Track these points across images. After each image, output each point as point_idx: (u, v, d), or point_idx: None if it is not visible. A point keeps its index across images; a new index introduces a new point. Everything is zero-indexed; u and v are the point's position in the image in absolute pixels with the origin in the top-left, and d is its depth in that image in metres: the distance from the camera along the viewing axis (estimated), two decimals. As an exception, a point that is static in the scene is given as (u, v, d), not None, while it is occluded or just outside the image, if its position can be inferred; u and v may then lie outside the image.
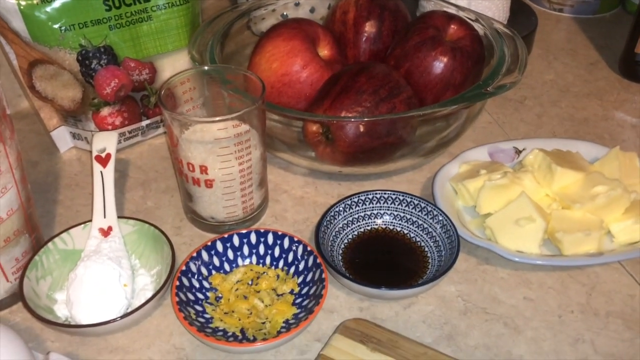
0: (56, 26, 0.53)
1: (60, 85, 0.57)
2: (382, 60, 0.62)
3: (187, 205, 0.53)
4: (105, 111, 0.58)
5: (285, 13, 0.73)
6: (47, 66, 0.55)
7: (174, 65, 0.60)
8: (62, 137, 0.61)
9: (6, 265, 0.44)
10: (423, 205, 0.49)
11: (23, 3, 0.51)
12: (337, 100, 0.52)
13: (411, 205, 0.50)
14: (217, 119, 0.46)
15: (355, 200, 0.51)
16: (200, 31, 0.62)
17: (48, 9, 0.52)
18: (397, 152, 0.55)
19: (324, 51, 0.60)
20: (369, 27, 0.62)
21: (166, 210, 0.55)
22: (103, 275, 0.44)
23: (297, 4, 0.73)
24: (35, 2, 0.52)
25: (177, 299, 0.42)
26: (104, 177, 0.49)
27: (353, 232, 0.51)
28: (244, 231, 0.48)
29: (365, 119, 0.51)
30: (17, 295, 0.46)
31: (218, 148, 0.47)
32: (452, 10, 0.68)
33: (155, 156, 0.62)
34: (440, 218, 0.48)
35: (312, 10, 0.75)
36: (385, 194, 0.51)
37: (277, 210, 0.55)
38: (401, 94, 0.54)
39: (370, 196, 0.51)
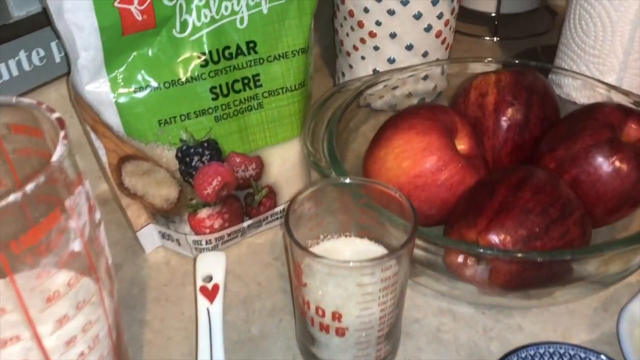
0: (155, 119, 0.45)
1: (153, 183, 0.48)
2: (531, 155, 0.51)
3: (305, 346, 0.43)
4: (203, 213, 0.49)
5: (397, 87, 0.63)
6: (140, 162, 0.47)
7: (283, 157, 0.51)
8: (150, 236, 0.52)
9: None
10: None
11: (118, 92, 0.43)
12: (497, 220, 0.42)
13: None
14: (362, 263, 0.36)
15: (532, 353, 0.40)
16: (312, 116, 0.53)
17: (146, 99, 0.44)
18: (562, 284, 0.44)
19: (462, 145, 0.50)
20: (514, 114, 0.52)
21: (275, 340, 0.45)
22: None
23: (410, 76, 0.63)
24: (131, 90, 0.43)
25: None
26: (211, 316, 0.40)
27: (520, 395, 0.40)
28: (386, 396, 0.38)
29: (569, 256, 0.40)
30: None
31: (360, 294, 0.37)
32: (602, 89, 0.57)
33: (256, 261, 0.52)
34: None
35: (425, 78, 0.66)
36: (581, 353, 0.40)
37: (410, 350, 0.45)
38: (574, 212, 0.43)
39: (551, 350, 0.40)
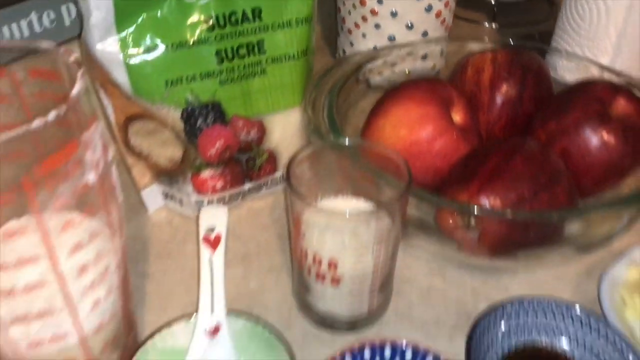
0: (162, 80, 0.47)
1: (158, 143, 0.50)
2: (524, 131, 0.53)
3: (301, 297, 0.45)
4: (206, 173, 0.51)
5: (396, 63, 0.65)
6: (146, 122, 0.49)
7: (284, 124, 0.53)
8: (153, 196, 0.54)
9: (101, 373, 0.37)
10: (612, 336, 0.40)
11: (128, 52, 0.45)
12: (488, 184, 0.44)
13: (595, 331, 0.41)
14: (357, 213, 0.38)
15: (517, 308, 0.42)
16: (313, 87, 0.54)
17: (155, 60, 0.46)
18: (549, 247, 0.46)
19: (457, 116, 0.52)
20: (509, 91, 0.54)
21: (272, 295, 0.47)
22: (215, 395, 0.37)
23: (409, 54, 0.65)
24: (140, 51, 0.45)
25: None
26: (213, 265, 0.41)
27: (504, 347, 0.42)
28: (377, 343, 0.40)
29: (556, 217, 0.42)
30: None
31: (355, 242, 0.39)
32: (595, 69, 0.59)
33: (255, 224, 0.54)
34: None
35: (424, 58, 0.67)
36: (564, 308, 0.41)
37: (401, 306, 0.47)
38: (562, 181, 0.45)
39: (544, 306, 0.41)
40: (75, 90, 0.28)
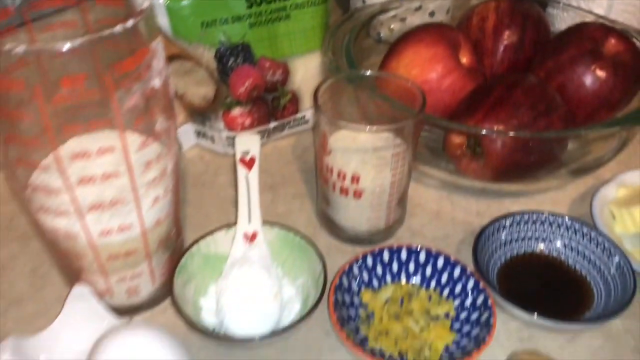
0: (198, 21, 0.52)
1: (193, 82, 0.55)
2: (527, 72, 0.58)
3: (324, 214, 0.51)
4: (236, 111, 0.56)
5: (405, 17, 0.70)
6: (183, 62, 0.54)
7: (306, 67, 0.58)
8: (187, 134, 0.60)
9: (156, 268, 0.42)
10: (601, 240, 0.46)
11: (169, -4, 0.50)
12: (492, 112, 0.49)
13: (586, 237, 0.46)
14: (378, 127, 0.43)
15: (518, 219, 0.47)
16: (331, 34, 0.60)
17: (192, 4, 0.51)
18: (548, 170, 0.52)
19: (464, 58, 0.57)
20: (510, 36, 0.59)
21: (298, 216, 0.53)
22: (256, 285, 0.42)
23: (417, 9, 0.70)
24: (179, -5, 0.50)
25: (336, 315, 0.40)
26: (249, 181, 0.47)
27: (507, 253, 0.47)
28: (395, 246, 0.45)
29: (553, 135, 0.48)
30: (158, 299, 0.45)
31: (375, 158, 0.44)
32: (590, 18, 0.64)
33: (280, 159, 0.59)
34: (618, 259, 0.44)
35: (431, 14, 0.72)
36: (559, 219, 0.47)
37: (414, 225, 0.52)
38: (558, 109, 0.50)
39: (541, 218, 0.47)
40: (146, 4, 0.33)
